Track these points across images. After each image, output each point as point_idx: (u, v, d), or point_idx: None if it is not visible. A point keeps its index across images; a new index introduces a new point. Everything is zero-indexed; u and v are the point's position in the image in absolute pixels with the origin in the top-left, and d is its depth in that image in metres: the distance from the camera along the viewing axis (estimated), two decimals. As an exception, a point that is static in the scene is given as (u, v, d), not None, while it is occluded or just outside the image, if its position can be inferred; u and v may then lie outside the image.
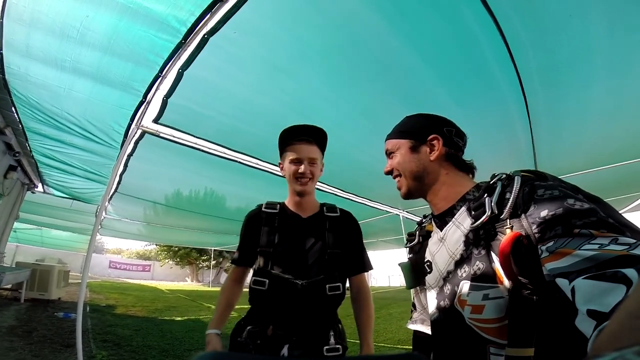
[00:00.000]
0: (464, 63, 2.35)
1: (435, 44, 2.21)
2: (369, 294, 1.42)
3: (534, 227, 0.61)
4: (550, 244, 0.57)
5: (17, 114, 3.79)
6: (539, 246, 0.59)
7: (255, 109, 2.93)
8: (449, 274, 0.80)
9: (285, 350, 1.20)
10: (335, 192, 4.90)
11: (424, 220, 1.03)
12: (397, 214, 6.22)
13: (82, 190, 5.99)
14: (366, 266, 1.43)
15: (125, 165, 4.07)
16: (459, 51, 2.25)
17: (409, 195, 0.90)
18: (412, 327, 1.07)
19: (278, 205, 1.37)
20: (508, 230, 0.64)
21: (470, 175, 0.89)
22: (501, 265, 0.64)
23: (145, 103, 2.87)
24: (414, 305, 1.11)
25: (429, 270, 0.89)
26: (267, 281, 1.23)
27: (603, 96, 2.56)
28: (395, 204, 5.91)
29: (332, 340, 1.26)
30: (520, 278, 0.61)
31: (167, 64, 2.43)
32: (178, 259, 23.09)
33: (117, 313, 6.46)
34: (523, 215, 0.64)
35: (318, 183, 4.50)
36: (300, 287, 1.22)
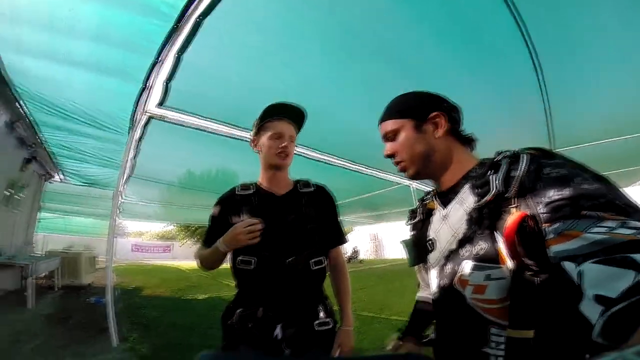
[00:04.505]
0: (468, 33, 2.25)
1: (436, 14, 2.10)
2: (345, 266, 1.45)
3: (540, 207, 0.59)
4: (557, 225, 0.55)
5: (24, 108, 3.84)
6: (544, 227, 0.58)
7: (259, 87, 2.88)
8: (451, 253, 0.79)
9: (278, 331, 1.22)
10: (344, 165, 4.89)
11: (426, 197, 1.01)
12: (407, 185, 6.18)
13: (98, 176, 6.16)
14: (343, 239, 1.44)
15: (136, 150, 4.09)
16: (463, 21, 2.14)
17: (416, 176, 0.87)
18: (421, 294, 1.13)
19: (252, 186, 1.37)
20: (513, 210, 0.63)
21: (471, 149, 0.87)
22: (505, 245, 0.62)
23: (146, 89, 2.84)
24: (418, 283, 1.14)
25: (431, 248, 0.89)
26: (254, 260, 1.24)
27: (621, 57, 2.40)
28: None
29: (321, 314, 1.28)
30: (524, 259, 0.60)
31: (163, 49, 2.37)
32: (197, 238, 23.85)
33: (144, 295, 6.74)
34: (529, 195, 0.62)
35: (327, 155, 4.50)
36: (287, 265, 1.23)
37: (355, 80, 2.87)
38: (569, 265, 0.52)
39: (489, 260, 0.68)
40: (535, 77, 2.62)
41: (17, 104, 3.77)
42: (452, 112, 0.84)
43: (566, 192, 0.56)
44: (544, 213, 0.58)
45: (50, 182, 6.68)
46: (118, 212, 4.97)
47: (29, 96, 3.45)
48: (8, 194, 4.83)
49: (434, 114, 0.82)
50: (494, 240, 0.67)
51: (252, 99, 3.02)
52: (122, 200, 7.50)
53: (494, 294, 0.66)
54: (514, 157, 0.68)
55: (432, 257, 0.88)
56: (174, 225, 23.62)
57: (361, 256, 19.55)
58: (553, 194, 0.58)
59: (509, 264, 0.63)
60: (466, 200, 0.77)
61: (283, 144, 1.29)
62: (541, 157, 0.66)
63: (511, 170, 0.66)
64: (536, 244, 0.58)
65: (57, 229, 9.23)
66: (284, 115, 1.32)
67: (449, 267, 0.79)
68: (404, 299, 5.69)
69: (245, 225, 1.17)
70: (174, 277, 10.22)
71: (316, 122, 3.19)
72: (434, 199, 0.92)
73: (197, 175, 5.90)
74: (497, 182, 0.66)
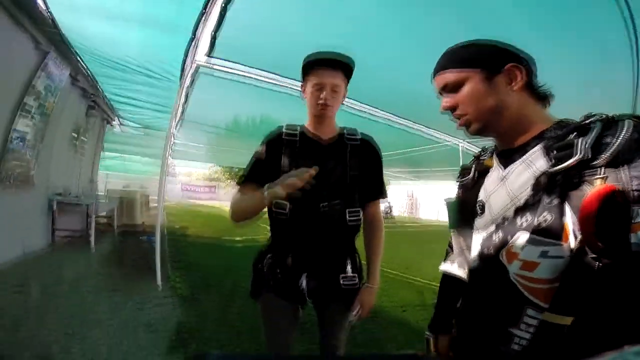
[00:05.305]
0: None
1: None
2: (381, 222, 1.40)
3: (634, 182, 0.51)
4: None
5: (83, 63, 4.13)
6: (634, 208, 0.50)
7: (306, 36, 2.74)
8: (505, 220, 0.71)
9: (303, 279, 1.25)
10: (389, 118, 4.73)
11: (482, 153, 0.91)
12: (455, 145, 5.84)
13: (153, 120, 6.55)
14: (383, 193, 1.38)
15: (187, 96, 4.31)
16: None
17: (480, 132, 0.77)
18: (445, 268, 1.04)
19: (298, 129, 1.33)
20: (598, 182, 0.54)
21: (546, 106, 0.76)
22: (579, 220, 0.55)
23: (195, 39, 2.88)
24: (450, 246, 1.05)
25: (480, 211, 0.80)
26: (289, 205, 1.21)
27: None
28: (456, 133, 5.50)
29: (348, 268, 1.28)
30: (595, 239, 0.53)
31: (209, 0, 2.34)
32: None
33: (189, 234, 7.26)
34: (625, 166, 0.53)
35: (370, 107, 4.32)
36: (322, 211, 1.22)
37: (412, 31, 2.64)
38: None
39: (550, 235, 0.60)
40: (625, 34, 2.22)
41: (77, 59, 4.03)
42: (530, 65, 0.73)
43: None
44: (637, 191, 0.50)
45: (111, 126, 7.23)
46: (170, 151, 5.30)
47: (87, 52, 3.65)
48: (74, 137, 5.29)
49: (510, 65, 0.71)
50: (562, 213, 0.59)
51: (299, 49, 2.93)
52: (174, 142, 8.00)
53: (545, 273, 0.60)
54: (610, 122, 0.58)
55: (480, 221, 0.80)
56: (219, 167, 24.87)
57: (394, 213, 19.29)
58: None
59: (572, 241, 0.56)
60: (535, 163, 0.66)
61: (323, 95, 1.22)
62: None
63: (605, 136, 0.57)
64: (617, 225, 0.50)
65: (116, 169, 10.01)
66: (328, 65, 1.23)
67: (498, 236, 0.71)
68: (431, 262, 5.56)
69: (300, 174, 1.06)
70: (217, 218, 10.90)
71: (362, 73, 3.03)
72: (493, 156, 0.82)
73: (243, 122, 6.09)
74: (584, 146, 0.57)
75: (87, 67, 4.27)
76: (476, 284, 0.80)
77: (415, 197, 21.22)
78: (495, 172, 0.78)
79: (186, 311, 2.99)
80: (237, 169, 23.28)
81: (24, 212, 3.91)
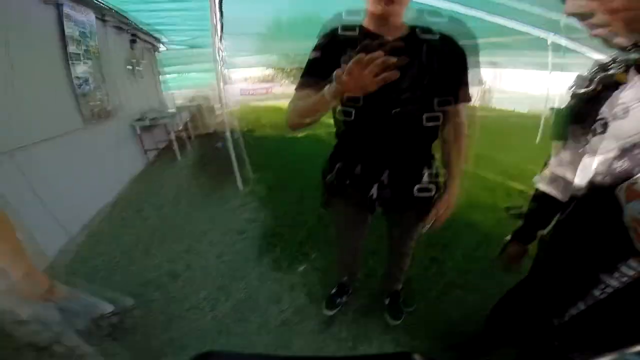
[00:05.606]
0: None
1: None
2: (464, 127, 1.18)
3: None
4: None
5: (103, 3, 4.05)
6: None
7: None
8: (633, 147, 0.59)
9: (374, 190, 1.16)
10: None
11: (614, 64, 0.74)
12: (544, 37, 4.83)
13: (196, 39, 6.54)
14: (467, 97, 1.15)
15: (221, 10, 4.19)
16: None
17: (627, 48, 0.61)
18: (541, 186, 0.94)
19: (357, 28, 1.09)
20: None
21: None
22: None
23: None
24: (548, 160, 0.93)
25: (599, 130, 0.67)
26: (354, 110, 1.08)
27: None
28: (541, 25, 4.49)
29: (425, 178, 1.17)
30: None
31: None
32: (292, 79, 24.52)
33: (255, 136, 7.36)
34: None
35: None
36: (393, 116, 1.06)
37: None
38: None
39: None
40: None
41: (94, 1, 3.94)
42: None
43: None
44: None
45: (158, 52, 7.43)
46: (222, 64, 5.33)
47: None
48: (131, 68, 5.50)
49: None
50: None
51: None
52: (223, 54, 7.90)
53: None
54: None
55: (598, 141, 0.67)
56: (272, 70, 24.46)
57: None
58: None
59: None
60: None
61: None
62: None
63: None
64: None
65: (179, 86, 10.38)
66: None
67: (620, 166, 0.60)
68: (505, 157, 4.86)
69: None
70: (276, 117, 10.47)
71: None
72: (629, 71, 0.67)
73: (284, 21, 5.93)
74: None
75: (111, 5, 4.24)
76: (576, 215, 0.71)
77: (489, 85, 18.65)
78: (634, 90, 0.64)
79: (267, 214, 3.21)
80: (287, 68, 22.59)
81: (116, 143, 4.38)
